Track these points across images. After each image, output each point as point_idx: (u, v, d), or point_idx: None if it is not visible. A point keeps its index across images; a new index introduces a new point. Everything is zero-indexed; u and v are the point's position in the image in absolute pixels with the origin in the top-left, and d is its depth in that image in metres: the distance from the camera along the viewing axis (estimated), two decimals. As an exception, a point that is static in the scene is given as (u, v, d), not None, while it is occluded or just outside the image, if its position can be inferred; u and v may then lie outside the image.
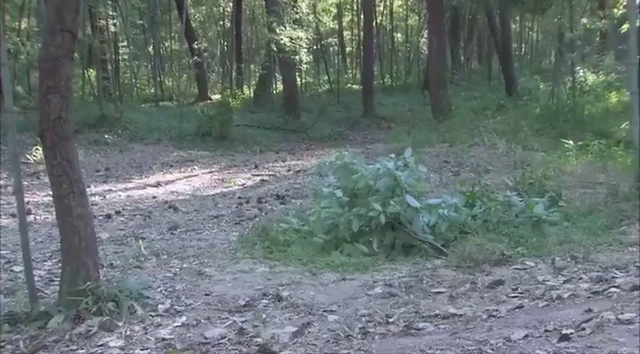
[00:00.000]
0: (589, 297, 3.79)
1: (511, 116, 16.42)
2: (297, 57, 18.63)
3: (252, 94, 25.72)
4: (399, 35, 35.14)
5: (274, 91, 26.38)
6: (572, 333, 3.08)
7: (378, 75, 29.82)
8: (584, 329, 3.10)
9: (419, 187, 6.13)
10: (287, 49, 17.95)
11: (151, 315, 4.67)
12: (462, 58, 31.91)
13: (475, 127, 15.23)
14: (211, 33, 33.19)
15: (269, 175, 12.77)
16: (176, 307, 4.89)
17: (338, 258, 5.76)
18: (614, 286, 3.86)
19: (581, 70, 20.69)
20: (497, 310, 3.91)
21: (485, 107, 19.69)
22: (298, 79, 24.72)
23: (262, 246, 6.49)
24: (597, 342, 2.93)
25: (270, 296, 4.98)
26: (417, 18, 34.25)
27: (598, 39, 22.52)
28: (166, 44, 30.69)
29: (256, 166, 13.81)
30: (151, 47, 27.76)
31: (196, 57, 21.66)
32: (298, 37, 17.95)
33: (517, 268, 4.79)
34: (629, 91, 7.37)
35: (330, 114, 21.48)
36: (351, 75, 33.80)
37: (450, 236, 5.87)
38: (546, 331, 3.22)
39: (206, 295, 5.15)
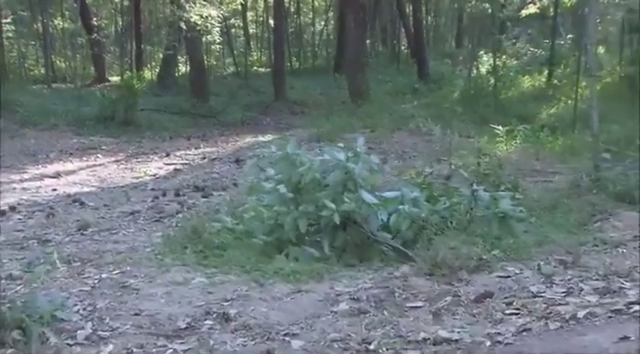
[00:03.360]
0: (610, 317, 3.26)
1: (431, 100, 16.18)
2: (209, 37, 17.56)
3: (153, 77, 24.45)
4: (302, 17, 34.42)
5: (177, 73, 25.12)
6: (625, 373, 2.53)
7: (285, 58, 29.04)
8: (639, 367, 2.55)
9: (372, 181, 5.48)
10: (198, 28, 16.84)
11: (68, 344, 3.82)
12: (368, 41, 31.63)
13: (394, 112, 14.88)
14: (105, 11, 31.24)
15: (182, 163, 11.84)
16: (99, 332, 4.02)
17: (287, 264, 5.02)
18: (635, 302, 3.36)
19: (485, 55, 20.89)
20: (499, 334, 3.31)
21: (399, 91, 19.41)
22: (203, 61, 23.55)
23: (194, 250, 5.63)
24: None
25: (214, 315, 4.19)
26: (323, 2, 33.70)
27: (509, 24, 22.82)
28: (56, 22, 28.60)
29: (167, 154, 12.80)
30: (40, 24, 25.74)
31: (95, 34, 20.12)
32: (209, 16, 16.87)
33: (500, 276, 4.24)
34: (588, 75, 7.08)
35: (239, 98, 20.56)
36: (256, 57, 32.83)
37: (409, 235, 5.25)
38: (587, 368, 2.66)
39: (135, 314, 4.29)
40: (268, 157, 5.98)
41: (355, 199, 5.20)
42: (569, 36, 19.47)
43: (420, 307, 3.99)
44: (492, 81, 16.62)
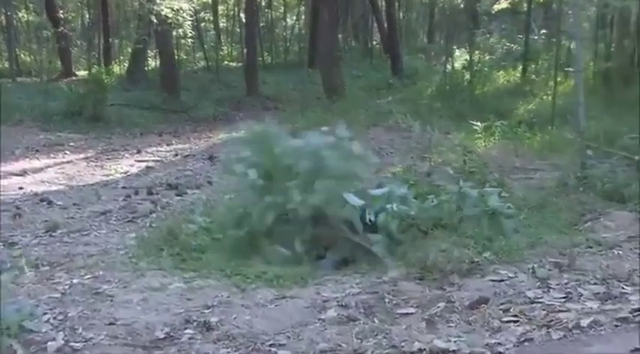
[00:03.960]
0: (617, 326, 3.10)
1: (406, 95, 16.05)
2: (180, 30, 17.16)
3: (122, 71, 23.98)
4: (273, 12, 34.09)
5: (147, 68, 24.64)
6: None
7: (257, 52, 28.72)
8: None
9: (360, 172, 5.23)
10: (169, 21, 16.45)
11: (37, 358, 3.58)
12: (340, 35, 31.42)
13: (369, 108, 14.71)
14: (72, 3, 30.57)
15: (154, 160, 11.51)
16: (72, 343, 3.78)
17: (269, 268, 4.81)
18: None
19: (457, 50, 20.85)
20: (500, 344, 3.14)
21: (373, 86, 19.26)
22: (172, 56, 23.10)
23: (170, 253, 5.39)
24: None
25: (195, 324, 3.96)
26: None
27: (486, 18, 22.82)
28: (20, 14, 27.91)
29: (139, 151, 12.43)
30: (3, 17, 25.09)
31: (62, 28, 19.57)
32: (180, 9, 16.49)
33: (493, 280, 4.06)
34: (574, 68, 6.99)
35: (211, 93, 20.19)
36: (227, 52, 32.41)
37: (398, 234, 5.03)
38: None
39: (110, 324, 4.04)
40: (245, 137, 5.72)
41: (327, 190, 4.96)
42: (542, 31, 19.53)
43: (412, 313, 3.81)
44: (467, 76, 16.56)
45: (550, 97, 13.18)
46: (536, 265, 4.13)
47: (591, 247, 4.42)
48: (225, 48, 33.27)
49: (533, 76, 16.75)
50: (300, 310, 4.06)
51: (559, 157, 9.30)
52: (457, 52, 21.05)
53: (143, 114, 17.07)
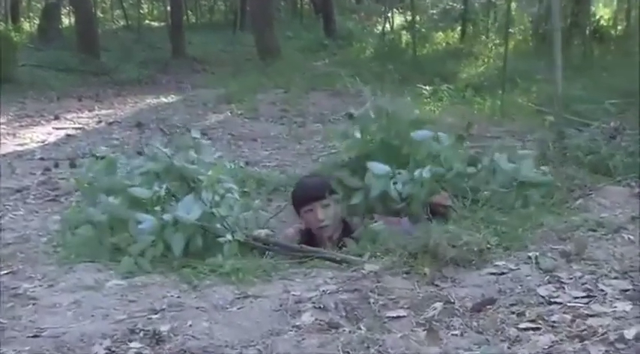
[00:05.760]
0: (670, 340, 2.59)
1: (343, 58, 15.45)
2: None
3: (32, 29, 22.37)
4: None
5: (61, 26, 23.07)
6: None
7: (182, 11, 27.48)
8: None
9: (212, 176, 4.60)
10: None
11: (-59, 384, 2.83)
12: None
13: (306, 70, 14.05)
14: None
15: (75, 128, 10.49)
16: (-15, 363, 3.03)
17: (225, 260, 4.11)
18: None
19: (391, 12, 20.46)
20: (528, 362, 2.59)
21: (307, 48, 18.59)
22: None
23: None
24: None
25: (141, 334, 3.20)
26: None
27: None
28: None
29: (57, 117, 11.35)
30: None
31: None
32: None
33: (493, 273, 3.49)
34: (552, 26, 6.52)
35: (134, 54, 19.03)
36: (148, 10, 30.90)
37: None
38: None
39: (34, 336, 3.25)
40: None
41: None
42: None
43: (404, 317, 3.19)
44: (407, 37, 16.13)
45: (493, 60, 12.88)
46: (538, 254, 3.60)
47: (594, 230, 3.91)
48: (146, 6, 31.79)
49: (483, 37, 16.42)
50: (269, 313, 3.38)
51: (512, 124, 8.96)
52: (389, 13, 20.64)
53: (59, 76, 15.81)
